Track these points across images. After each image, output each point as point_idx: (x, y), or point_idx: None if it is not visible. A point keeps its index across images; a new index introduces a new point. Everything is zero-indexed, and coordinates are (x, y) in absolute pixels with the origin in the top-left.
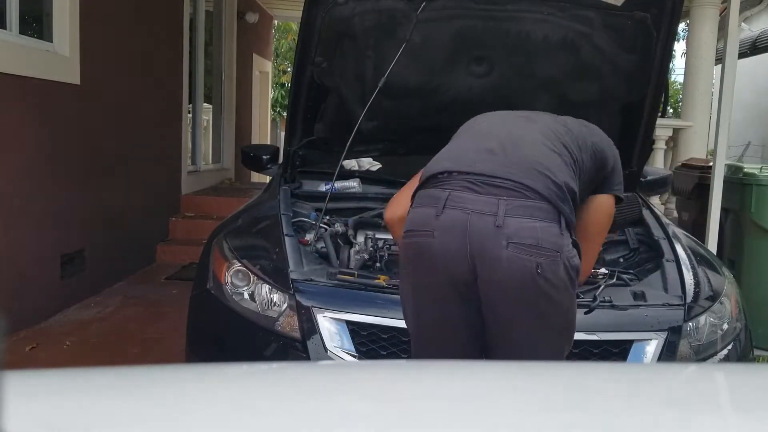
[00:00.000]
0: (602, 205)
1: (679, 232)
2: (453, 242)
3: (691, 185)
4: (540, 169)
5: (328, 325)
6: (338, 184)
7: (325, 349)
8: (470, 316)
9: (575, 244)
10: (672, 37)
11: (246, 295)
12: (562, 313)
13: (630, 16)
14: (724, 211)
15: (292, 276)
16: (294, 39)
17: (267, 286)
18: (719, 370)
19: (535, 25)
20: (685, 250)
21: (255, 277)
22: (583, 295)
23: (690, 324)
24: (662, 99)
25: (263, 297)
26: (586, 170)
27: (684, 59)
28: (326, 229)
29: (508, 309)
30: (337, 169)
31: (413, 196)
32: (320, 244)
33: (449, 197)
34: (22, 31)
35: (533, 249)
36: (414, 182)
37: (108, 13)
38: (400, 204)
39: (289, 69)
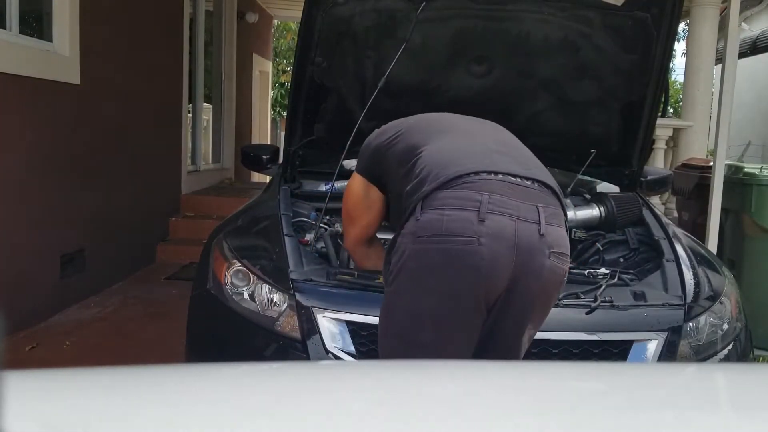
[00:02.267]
0: None
1: (680, 232)
2: (503, 250)
3: (692, 185)
4: (544, 168)
5: (328, 325)
6: (338, 184)
7: (326, 349)
8: (478, 328)
9: None
10: (672, 36)
11: (246, 295)
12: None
13: (630, 16)
14: (725, 211)
15: (292, 276)
16: (294, 39)
17: (267, 286)
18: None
19: (535, 25)
20: (685, 250)
21: (255, 277)
22: (584, 296)
23: (690, 324)
24: (662, 99)
25: (263, 297)
26: None
27: (684, 59)
28: (326, 229)
29: (529, 317)
30: (337, 169)
31: (423, 198)
32: (320, 244)
33: (490, 201)
34: (22, 30)
35: (565, 257)
36: (355, 201)
37: (108, 13)
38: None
39: (289, 69)
